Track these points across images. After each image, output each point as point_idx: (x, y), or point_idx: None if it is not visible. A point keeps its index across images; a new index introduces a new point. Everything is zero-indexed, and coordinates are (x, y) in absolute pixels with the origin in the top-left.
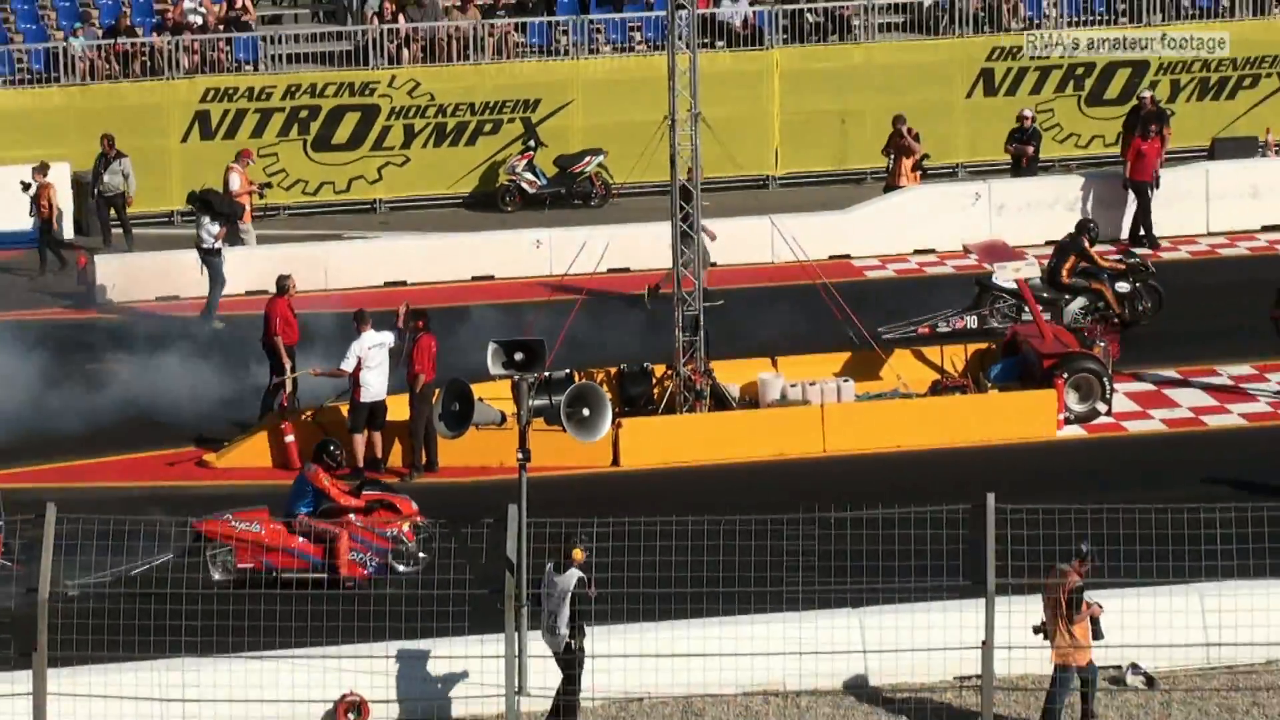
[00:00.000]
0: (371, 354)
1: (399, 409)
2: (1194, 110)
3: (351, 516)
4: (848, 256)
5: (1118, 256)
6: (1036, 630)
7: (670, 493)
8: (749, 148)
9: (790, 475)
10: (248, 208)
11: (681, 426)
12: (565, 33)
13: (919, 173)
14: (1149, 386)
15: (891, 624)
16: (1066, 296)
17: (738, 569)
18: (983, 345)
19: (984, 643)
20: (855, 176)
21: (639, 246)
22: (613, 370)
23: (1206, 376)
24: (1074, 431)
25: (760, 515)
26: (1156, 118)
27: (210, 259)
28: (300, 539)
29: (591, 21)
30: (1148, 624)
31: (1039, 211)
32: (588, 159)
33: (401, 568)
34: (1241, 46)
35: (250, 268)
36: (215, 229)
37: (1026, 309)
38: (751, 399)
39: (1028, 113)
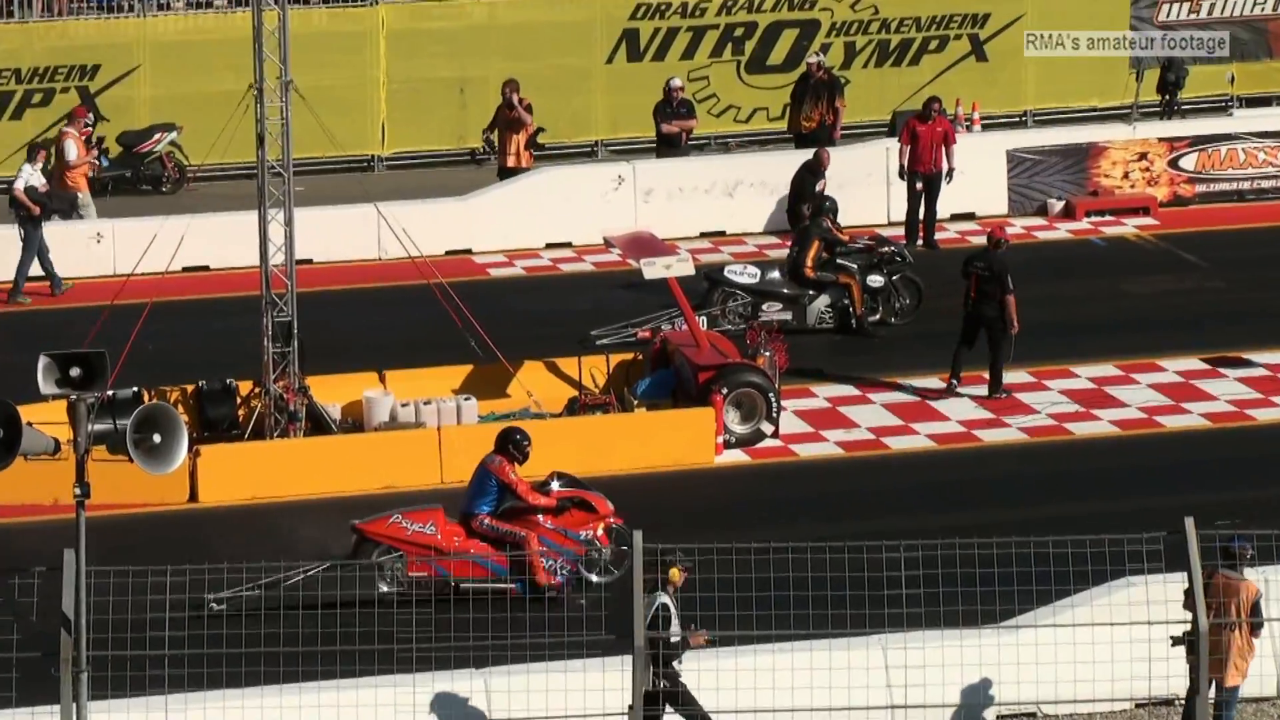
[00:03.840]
0: None
1: None
2: (872, 78)
3: (539, 517)
4: (468, 251)
5: (868, 241)
6: (1177, 642)
7: (259, 533)
8: (350, 122)
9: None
10: (86, 176)
11: (272, 454)
12: None
13: (532, 150)
14: (822, 403)
15: (521, 686)
16: (810, 292)
17: (339, 624)
18: (627, 356)
19: (630, 707)
20: (477, 156)
21: (220, 240)
22: (189, 388)
23: (889, 391)
24: (735, 457)
25: (365, 560)
26: (828, 87)
27: (27, 226)
28: (481, 543)
29: None
30: (822, 682)
31: (692, 198)
32: (158, 136)
33: (595, 577)
34: (927, 4)
35: None
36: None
37: (765, 305)
38: (355, 421)
39: (677, 83)
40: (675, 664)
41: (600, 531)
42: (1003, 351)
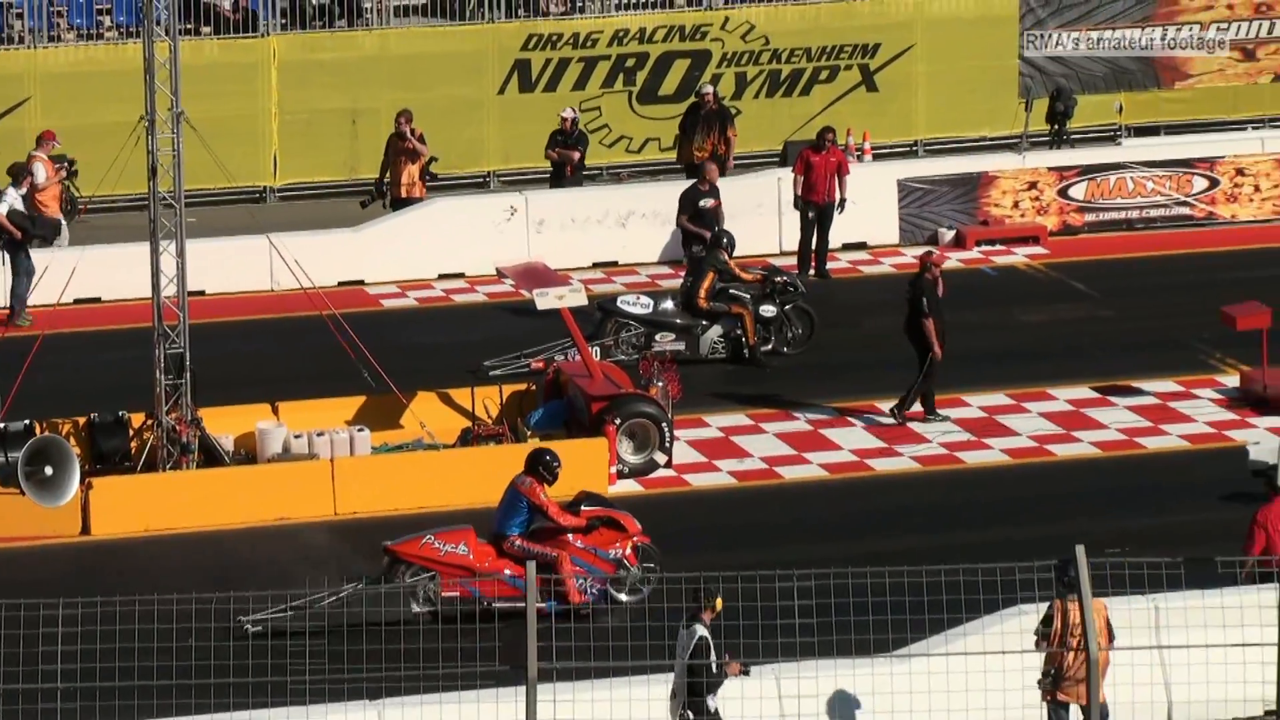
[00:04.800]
0: None
1: None
2: (763, 109)
3: (569, 536)
4: (361, 282)
5: (762, 272)
6: (1043, 685)
7: (153, 566)
8: (242, 153)
9: (293, 543)
10: (58, 198)
11: (165, 486)
12: (20, 16)
13: (425, 181)
14: (715, 433)
15: (416, 717)
16: (703, 323)
17: (232, 655)
18: (520, 387)
19: None
20: (369, 187)
21: (112, 271)
22: (81, 420)
23: (782, 421)
24: (629, 487)
25: (259, 591)
26: (719, 117)
27: (10, 250)
28: (514, 563)
29: (51, 3)
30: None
31: (585, 228)
32: None
33: (624, 597)
34: (817, 34)
35: None
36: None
37: (658, 335)
38: (249, 453)
39: (569, 113)
40: (711, 697)
41: (629, 550)
42: (921, 375)
